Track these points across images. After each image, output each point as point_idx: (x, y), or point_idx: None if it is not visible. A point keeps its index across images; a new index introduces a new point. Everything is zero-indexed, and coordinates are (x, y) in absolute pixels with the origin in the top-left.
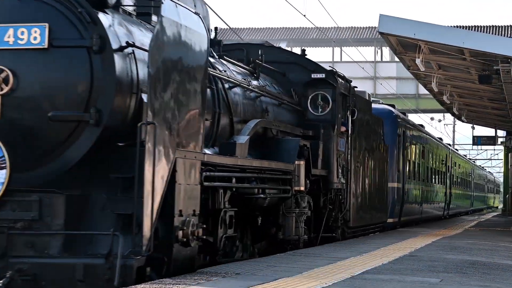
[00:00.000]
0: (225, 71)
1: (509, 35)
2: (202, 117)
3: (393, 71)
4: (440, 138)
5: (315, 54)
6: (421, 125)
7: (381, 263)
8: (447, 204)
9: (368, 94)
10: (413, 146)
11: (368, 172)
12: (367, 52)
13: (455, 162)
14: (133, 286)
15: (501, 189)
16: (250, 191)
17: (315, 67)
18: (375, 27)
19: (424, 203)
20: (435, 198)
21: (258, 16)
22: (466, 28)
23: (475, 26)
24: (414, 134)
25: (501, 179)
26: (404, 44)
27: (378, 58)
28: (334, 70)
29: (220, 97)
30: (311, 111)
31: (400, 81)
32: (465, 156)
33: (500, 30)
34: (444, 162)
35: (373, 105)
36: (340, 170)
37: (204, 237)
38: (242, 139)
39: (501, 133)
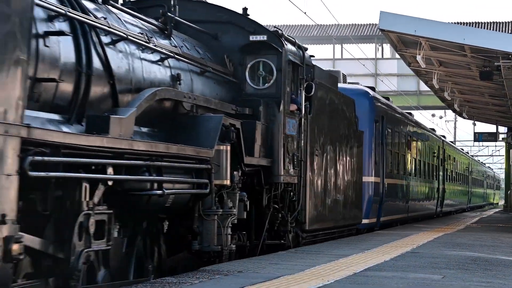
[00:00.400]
0: (105, 18)
1: (510, 31)
2: (23, 73)
3: (394, 68)
4: (433, 129)
5: (316, 51)
6: (409, 113)
7: (383, 260)
8: (440, 201)
9: (343, 75)
10: (397, 135)
11: (333, 163)
12: (368, 49)
13: (450, 155)
14: (133, 286)
15: (502, 185)
16: (139, 186)
17: (256, 27)
18: (375, 24)
19: (412, 200)
20: (425, 195)
21: (259, 14)
22: (466, 25)
23: (475, 22)
24: (397, 121)
25: (502, 176)
26: (404, 41)
27: (379, 55)
28: (280, 31)
29: (90, 53)
30: (250, 83)
31: (401, 78)
32: (462, 149)
33: (501, 26)
34: (436, 154)
35: (345, 85)
36: (288, 160)
37: (22, 257)
38: (124, 112)
39: (502, 129)
